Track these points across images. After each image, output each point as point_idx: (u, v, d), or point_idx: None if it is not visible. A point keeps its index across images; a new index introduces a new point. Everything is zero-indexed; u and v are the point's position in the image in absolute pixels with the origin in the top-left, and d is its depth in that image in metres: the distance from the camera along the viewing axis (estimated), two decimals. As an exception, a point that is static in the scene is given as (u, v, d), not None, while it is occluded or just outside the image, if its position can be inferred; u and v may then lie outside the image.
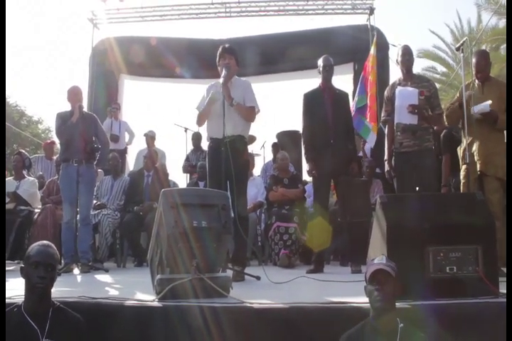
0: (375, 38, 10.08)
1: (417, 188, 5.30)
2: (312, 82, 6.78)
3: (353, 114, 7.56)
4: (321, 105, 5.77)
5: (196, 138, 9.60)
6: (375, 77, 9.44)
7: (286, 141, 9.71)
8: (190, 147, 9.88)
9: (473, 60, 5.35)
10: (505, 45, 17.08)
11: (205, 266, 3.60)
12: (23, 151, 8.08)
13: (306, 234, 6.62)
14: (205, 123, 5.28)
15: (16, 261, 6.66)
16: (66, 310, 2.99)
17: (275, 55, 11.62)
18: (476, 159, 5.11)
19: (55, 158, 8.50)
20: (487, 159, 5.07)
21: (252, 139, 8.65)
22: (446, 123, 5.57)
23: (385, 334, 2.62)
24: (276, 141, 9.94)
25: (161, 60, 11.50)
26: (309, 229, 6.02)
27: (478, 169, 5.09)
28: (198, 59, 10.70)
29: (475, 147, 5.15)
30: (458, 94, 5.48)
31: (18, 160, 7.42)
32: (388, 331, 2.63)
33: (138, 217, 7.07)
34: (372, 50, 9.81)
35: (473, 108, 5.09)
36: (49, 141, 9.89)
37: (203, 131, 5.42)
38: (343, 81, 10.07)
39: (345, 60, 10.88)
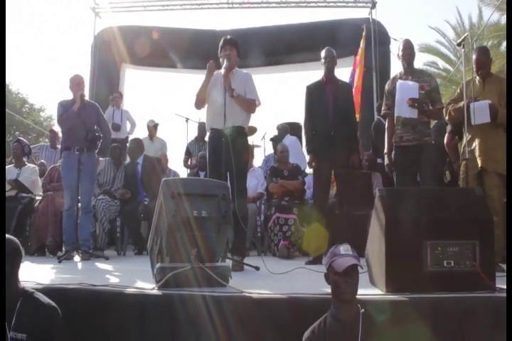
0: (364, 32, 10.08)
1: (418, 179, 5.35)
2: (315, 74, 6.79)
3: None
4: (323, 97, 5.77)
5: (203, 127, 9.54)
6: (362, 70, 9.51)
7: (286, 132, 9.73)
8: (191, 137, 9.86)
9: (474, 57, 5.34)
10: (506, 41, 17.03)
11: (204, 255, 3.63)
12: (22, 139, 8.10)
13: (305, 225, 6.67)
14: (206, 112, 5.31)
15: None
16: (38, 300, 2.79)
17: (277, 47, 11.60)
18: (476, 155, 5.12)
19: (59, 146, 8.53)
20: (488, 155, 5.07)
21: (253, 130, 8.67)
22: (446, 119, 5.57)
23: (346, 322, 2.64)
24: (276, 132, 9.96)
25: (162, 50, 11.48)
26: (306, 234, 6.07)
27: (479, 165, 5.10)
28: (200, 50, 10.69)
29: (475, 143, 5.15)
30: (459, 90, 5.49)
31: (18, 148, 7.44)
32: (350, 318, 2.64)
33: (139, 206, 7.13)
34: (362, 44, 9.84)
35: (473, 104, 5.09)
36: (53, 129, 9.89)
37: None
38: (346, 74, 10.07)
39: (347, 53, 10.85)
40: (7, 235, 2.89)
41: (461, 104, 5.22)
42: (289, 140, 9.00)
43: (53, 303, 2.81)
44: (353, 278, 2.66)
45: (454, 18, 20.89)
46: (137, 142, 8.07)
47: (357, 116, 8.70)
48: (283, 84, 11.79)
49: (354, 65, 9.95)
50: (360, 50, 9.85)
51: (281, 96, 11.36)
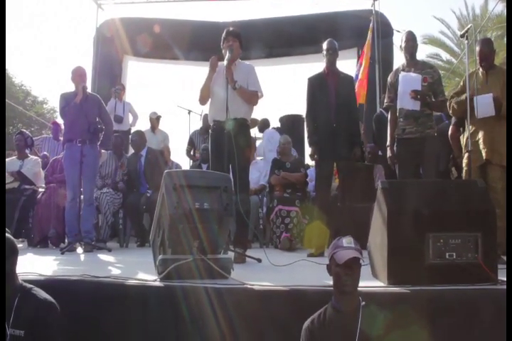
0: (371, 24, 10.03)
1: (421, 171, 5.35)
2: (317, 66, 6.76)
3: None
4: (325, 89, 5.75)
5: (207, 119, 9.47)
6: (368, 62, 9.49)
7: (289, 124, 9.72)
8: (193, 129, 9.82)
9: (477, 49, 5.32)
10: (511, 33, 16.85)
11: (206, 247, 3.63)
12: (25, 131, 8.10)
13: (307, 217, 6.67)
14: (209, 104, 5.30)
15: (19, 239, 6.73)
16: (35, 296, 2.77)
17: (279, 39, 11.54)
18: (481, 147, 5.10)
19: (62, 138, 8.53)
20: (493, 147, 5.05)
21: (255, 123, 8.65)
22: (450, 112, 5.56)
23: (346, 314, 2.65)
24: (279, 124, 9.95)
25: (165, 42, 11.44)
26: (307, 232, 6.06)
27: (484, 157, 5.08)
28: (202, 42, 10.65)
29: (480, 135, 5.13)
30: (462, 83, 5.46)
31: (20, 140, 7.43)
32: (350, 310, 2.65)
33: (141, 198, 7.15)
34: (369, 36, 9.81)
35: (476, 98, 5.07)
36: (56, 121, 9.88)
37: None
38: (347, 66, 10.00)
39: (350, 45, 10.81)
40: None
41: (463, 96, 5.20)
42: (268, 133, 9.01)
43: (51, 299, 2.79)
44: (354, 270, 2.66)
45: (458, 9, 20.64)
46: (139, 134, 8.05)
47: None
48: (285, 76, 11.69)
49: (361, 58, 9.92)
50: (367, 42, 9.82)
51: (283, 88, 11.25)
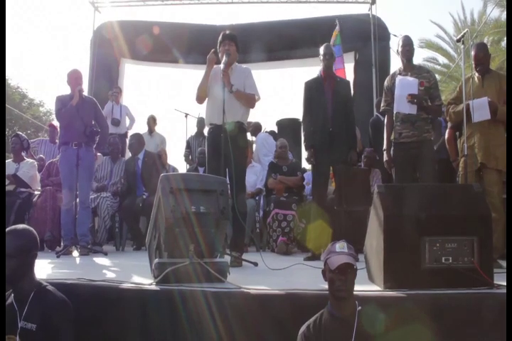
0: (337, 28, 9.93)
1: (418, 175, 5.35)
2: (313, 70, 6.77)
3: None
4: (321, 93, 5.77)
5: (202, 123, 9.52)
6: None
7: (286, 128, 9.72)
8: (191, 132, 9.85)
9: (472, 53, 5.34)
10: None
11: (203, 251, 3.63)
12: (21, 133, 8.07)
13: (304, 221, 6.66)
14: (205, 107, 5.29)
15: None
16: (50, 292, 2.91)
17: (278, 43, 11.57)
18: (475, 151, 5.11)
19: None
20: (488, 151, 5.05)
21: (248, 126, 8.66)
22: (447, 119, 5.57)
23: (342, 319, 2.64)
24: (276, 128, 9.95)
25: (162, 45, 11.44)
26: (308, 231, 6.07)
27: (479, 161, 5.09)
28: (199, 45, 10.65)
29: (475, 139, 5.14)
30: (458, 88, 5.48)
31: (16, 142, 7.38)
32: (346, 315, 2.64)
33: (138, 201, 7.13)
34: (332, 40, 9.67)
35: (472, 102, 5.08)
36: (52, 124, 9.87)
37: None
38: (345, 69, 10.02)
39: (347, 49, 10.82)
40: (27, 226, 3.02)
41: (460, 107, 5.21)
42: (261, 138, 9.02)
43: (65, 298, 2.90)
44: (347, 275, 2.65)
45: (455, 14, 20.74)
46: (137, 137, 8.04)
47: None
48: (284, 80, 11.74)
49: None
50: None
51: (282, 91, 11.27)
